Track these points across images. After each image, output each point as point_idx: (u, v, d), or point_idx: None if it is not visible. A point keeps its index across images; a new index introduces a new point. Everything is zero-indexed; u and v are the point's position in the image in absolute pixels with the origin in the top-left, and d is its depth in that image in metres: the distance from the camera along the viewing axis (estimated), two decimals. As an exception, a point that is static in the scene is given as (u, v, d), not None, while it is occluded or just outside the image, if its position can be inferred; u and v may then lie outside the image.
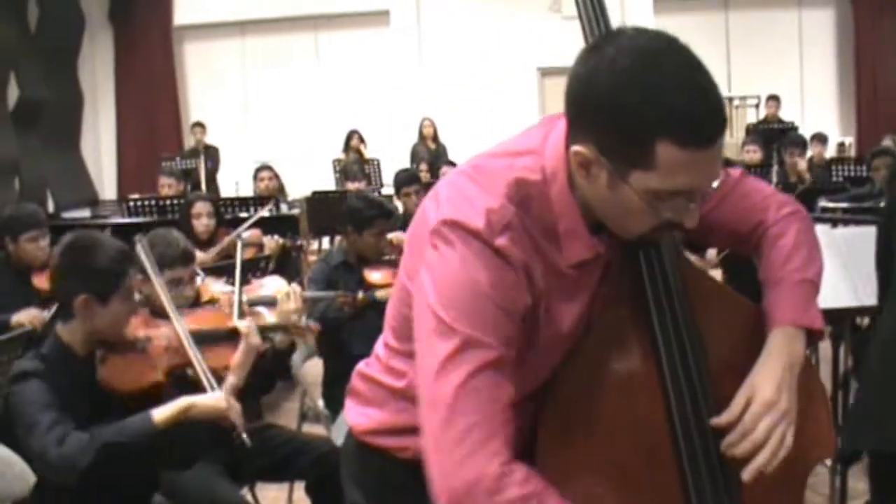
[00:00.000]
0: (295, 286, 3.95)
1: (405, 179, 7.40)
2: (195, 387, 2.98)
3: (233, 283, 3.97)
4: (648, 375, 1.69)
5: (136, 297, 3.05)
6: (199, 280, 3.88)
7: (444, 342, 1.54)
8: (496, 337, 1.54)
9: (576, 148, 1.53)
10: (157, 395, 2.95)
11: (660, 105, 1.44)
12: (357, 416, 1.92)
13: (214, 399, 2.89)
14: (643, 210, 1.53)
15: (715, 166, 1.53)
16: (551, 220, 1.61)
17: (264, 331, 3.62)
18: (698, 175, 1.50)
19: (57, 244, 2.95)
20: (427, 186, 6.51)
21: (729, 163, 6.38)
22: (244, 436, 2.85)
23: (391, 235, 5.01)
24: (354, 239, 4.76)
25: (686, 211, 1.55)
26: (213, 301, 3.79)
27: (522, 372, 1.65)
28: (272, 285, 4.07)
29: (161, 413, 2.72)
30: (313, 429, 4.63)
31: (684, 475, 1.66)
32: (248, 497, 3.83)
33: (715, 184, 1.59)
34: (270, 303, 3.83)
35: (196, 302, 3.71)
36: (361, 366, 1.96)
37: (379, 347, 1.88)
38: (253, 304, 3.83)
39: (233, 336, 3.30)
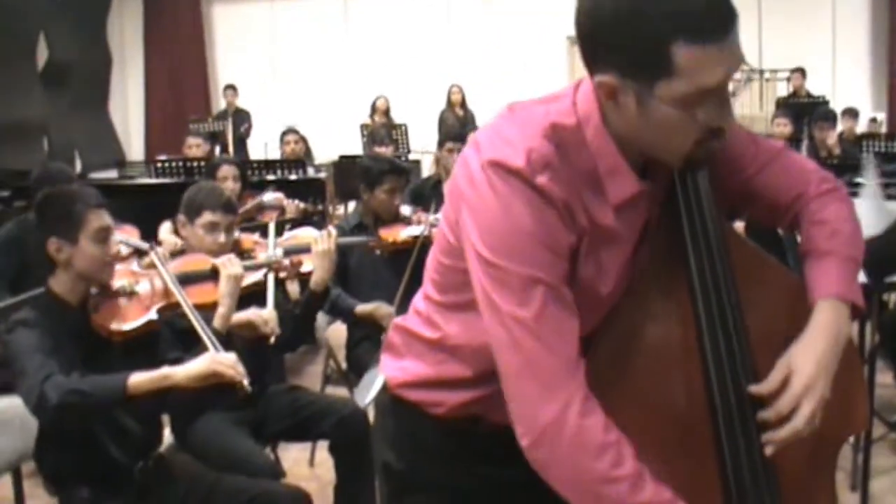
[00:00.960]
0: (330, 229, 3.97)
1: (450, 134, 7.28)
2: (193, 330, 3.02)
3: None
4: (687, 340, 1.68)
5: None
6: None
7: (503, 289, 1.56)
8: (551, 273, 1.56)
9: (599, 79, 1.54)
10: (155, 340, 3.05)
11: (665, 9, 1.45)
12: (393, 369, 1.93)
13: (195, 365, 2.81)
14: (681, 121, 1.53)
15: (735, 56, 1.51)
16: (590, 163, 1.62)
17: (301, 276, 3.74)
18: (720, 68, 1.49)
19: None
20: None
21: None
22: (245, 382, 2.82)
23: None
24: (368, 198, 4.78)
25: (721, 112, 1.55)
26: (248, 251, 3.86)
27: None
28: (305, 233, 4.12)
29: (136, 379, 2.69)
30: (337, 391, 4.67)
31: (721, 444, 1.65)
32: (271, 456, 3.86)
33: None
34: (305, 249, 3.86)
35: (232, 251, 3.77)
36: (399, 319, 1.97)
37: (418, 301, 1.89)
38: (288, 252, 3.87)
39: (216, 274, 3.36)
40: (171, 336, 3.14)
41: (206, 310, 3.18)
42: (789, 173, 1.82)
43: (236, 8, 16.10)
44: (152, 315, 3.05)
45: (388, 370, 1.95)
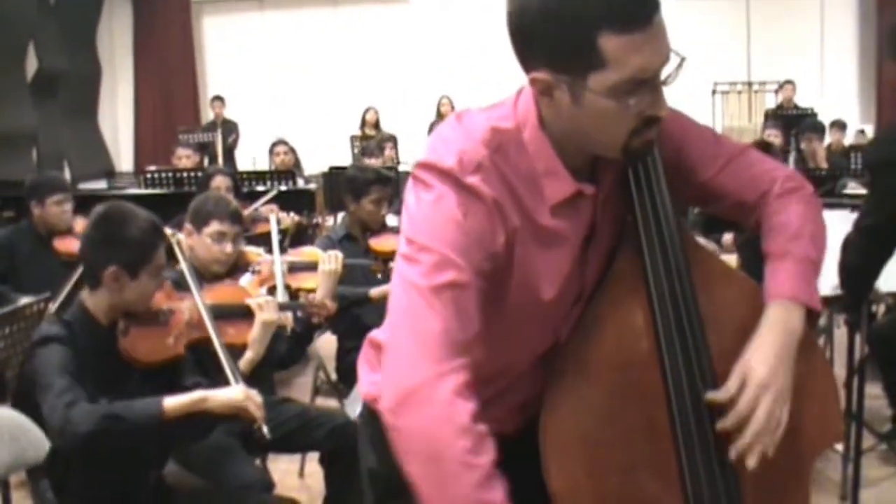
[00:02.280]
0: (336, 252, 3.98)
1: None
2: (216, 359, 2.97)
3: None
4: (646, 350, 1.70)
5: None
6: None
7: (414, 262, 1.57)
8: (467, 261, 1.55)
9: (533, 76, 1.57)
10: (177, 366, 2.96)
11: (588, 2, 1.48)
12: (367, 384, 1.93)
13: (231, 393, 2.79)
14: (615, 112, 1.54)
15: (662, 43, 1.53)
16: (529, 165, 1.65)
17: (292, 308, 3.68)
18: (648, 55, 1.52)
19: (84, 213, 2.95)
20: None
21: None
22: (265, 428, 2.78)
23: None
24: (354, 209, 4.79)
25: (654, 100, 1.57)
26: (250, 264, 3.85)
27: (509, 333, 1.70)
28: (311, 250, 4.11)
29: (172, 403, 2.66)
30: (327, 403, 4.66)
31: (680, 454, 1.66)
32: (261, 468, 3.85)
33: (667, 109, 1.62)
34: (311, 267, 3.86)
35: (236, 265, 3.75)
36: (372, 333, 1.97)
37: None
38: (294, 268, 3.86)
39: (249, 313, 3.30)
40: (191, 359, 3.07)
41: (235, 349, 3.13)
42: (754, 171, 1.82)
43: (226, 18, 16.09)
44: (179, 350, 2.97)
45: (364, 385, 1.95)
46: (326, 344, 4.92)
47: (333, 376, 4.76)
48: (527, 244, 1.65)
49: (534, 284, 1.68)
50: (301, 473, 4.68)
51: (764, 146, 5.17)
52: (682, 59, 1.58)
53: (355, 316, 4.47)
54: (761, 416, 1.59)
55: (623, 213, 1.76)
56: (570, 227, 1.70)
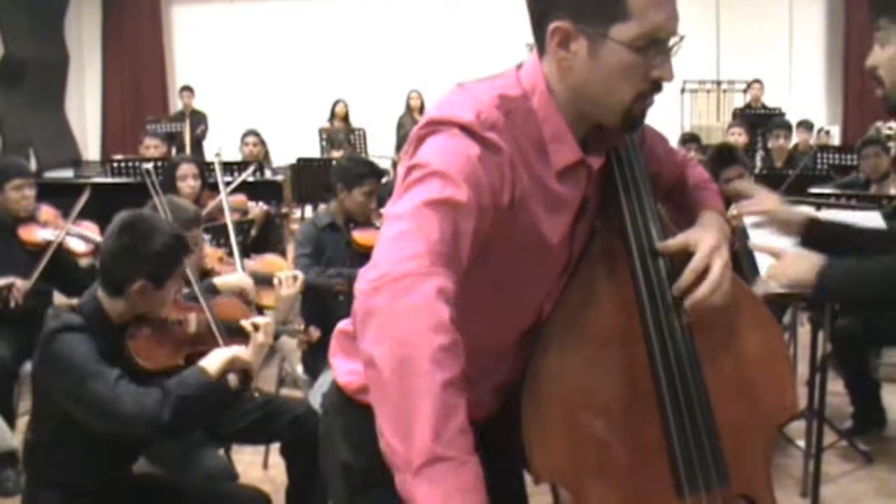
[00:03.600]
0: (297, 272, 3.95)
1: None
2: None
3: (219, 245, 3.99)
4: (630, 324, 1.75)
5: None
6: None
7: (412, 176, 1.55)
8: (470, 188, 1.53)
9: (554, 25, 1.61)
10: (171, 375, 2.93)
11: None
12: (345, 373, 1.90)
13: (247, 353, 2.91)
14: (631, 66, 1.61)
15: (675, 8, 1.64)
16: (536, 129, 1.68)
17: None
18: (666, 14, 1.62)
19: (49, 201, 2.91)
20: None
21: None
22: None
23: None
24: (344, 198, 4.76)
25: (665, 63, 1.64)
26: (212, 273, 3.83)
27: (511, 295, 1.72)
28: (273, 261, 4.07)
29: (210, 365, 2.74)
30: (291, 394, 4.65)
31: (668, 422, 1.71)
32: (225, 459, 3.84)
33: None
34: (268, 282, 3.83)
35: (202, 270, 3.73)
36: (342, 324, 1.95)
37: None
38: (256, 279, 3.85)
39: (242, 332, 3.26)
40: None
41: None
42: (674, 155, 2.07)
43: (196, 8, 16.00)
44: (179, 361, 2.98)
45: (341, 375, 1.92)
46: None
47: (299, 368, 4.75)
48: (533, 206, 1.68)
49: (540, 235, 1.71)
50: (265, 465, 4.67)
51: (727, 149, 5.19)
52: (682, 37, 1.65)
53: (325, 309, 4.46)
54: (716, 271, 1.72)
55: (605, 193, 1.82)
56: (571, 196, 1.74)
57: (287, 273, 3.93)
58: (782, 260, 2.40)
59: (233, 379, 2.79)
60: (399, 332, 1.38)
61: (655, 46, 1.62)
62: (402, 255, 1.44)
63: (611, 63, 1.61)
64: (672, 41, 1.64)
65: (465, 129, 1.58)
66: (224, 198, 4.86)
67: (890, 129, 10.00)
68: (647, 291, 1.74)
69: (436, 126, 1.60)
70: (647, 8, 1.59)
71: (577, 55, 1.62)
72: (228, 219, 4.60)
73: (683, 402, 1.71)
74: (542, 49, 1.68)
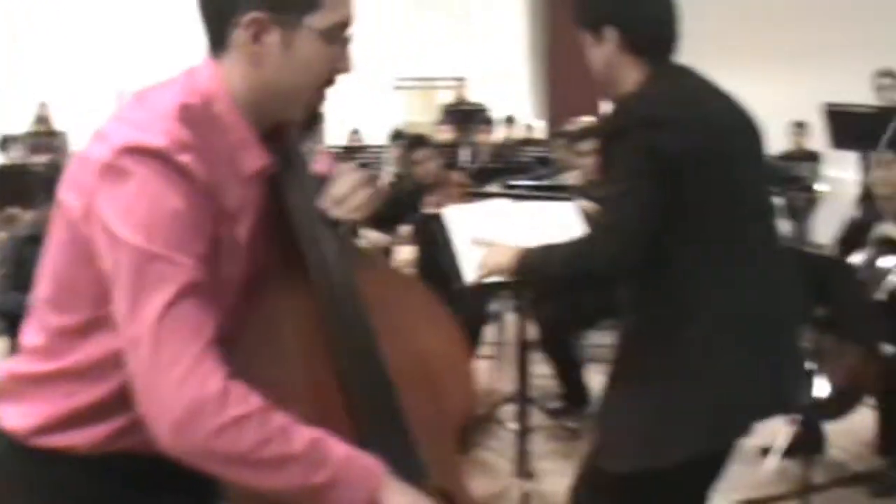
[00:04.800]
0: None
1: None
2: None
3: None
4: (312, 327, 1.72)
5: None
6: None
7: (141, 273, 1.46)
8: (190, 257, 1.48)
9: (250, 16, 1.56)
10: None
11: None
12: (17, 417, 1.70)
13: None
14: (322, 57, 1.62)
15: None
16: (223, 138, 1.60)
17: None
18: (349, 3, 1.65)
19: None
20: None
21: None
22: None
23: None
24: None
25: (346, 54, 1.66)
26: None
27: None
28: None
29: None
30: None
31: (356, 411, 1.71)
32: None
33: None
34: None
35: None
36: (10, 367, 1.76)
37: (31, 338, 1.70)
38: None
39: None
40: None
41: None
42: None
43: None
44: None
45: (10, 420, 1.70)
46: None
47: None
48: (229, 223, 1.60)
49: (237, 254, 1.64)
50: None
51: (419, 140, 5.51)
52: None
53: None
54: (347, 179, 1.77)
55: (276, 205, 1.74)
56: (254, 201, 1.66)
57: None
58: (490, 249, 2.67)
59: None
60: (230, 452, 1.45)
61: (341, 37, 1.63)
62: (177, 384, 1.44)
63: (304, 54, 1.60)
64: (348, 32, 1.65)
65: (159, 157, 1.47)
66: None
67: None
68: (323, 282, 1.72)
69: (125, 159, 1.48)
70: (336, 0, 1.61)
71: (269, 48, 1.59)
72: None
73: (375, 401, 1.71)
74: (221, 47, 1.62)
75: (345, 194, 1.77)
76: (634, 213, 2.29)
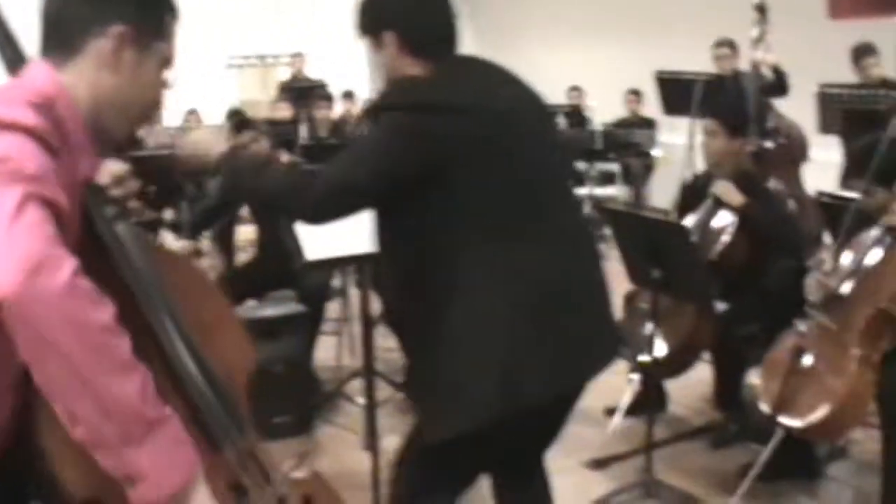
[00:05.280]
0: None
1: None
2: None
3: None
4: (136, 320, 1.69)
5: None
6: None
7: None
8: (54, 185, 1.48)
9: (117, 29, 1.64)
10: None
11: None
12: None
13: None
14: (157, 81, 1.76)
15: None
16: (65, 138, 1.58)
17: None
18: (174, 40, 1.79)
19: None
20: None
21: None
22: None
23: None
24: None
25: (166, 80, 1.79)
26: None
27: None
28: None
29: None
30: None
31: (181, 382, 1.74)
32: None
33: None
34: None
35: None
36: None
37: None
38: None
39: None
40: None
41: None
42: None
43: None
44: None
45: None
46: None
47: None
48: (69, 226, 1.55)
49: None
50: None
51: (244, 122, 5.45)
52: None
53: None
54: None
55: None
56: (75, 209, 1.61)
57: None
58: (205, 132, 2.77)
59: None
60: (69, 330, 1.41)
61: (168, 65, 1.78)
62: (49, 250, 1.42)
63: (148, 75, 1.73)
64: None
65: (26, 132, 1.48)
66: None
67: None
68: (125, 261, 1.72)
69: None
70: (171, 34, 1.77)
71: (125, 62, 1.68)
72: None
73: (189, 369, 1.74)
74: (68, 52, 1.65)
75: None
76: (360, 176, 2.27)
